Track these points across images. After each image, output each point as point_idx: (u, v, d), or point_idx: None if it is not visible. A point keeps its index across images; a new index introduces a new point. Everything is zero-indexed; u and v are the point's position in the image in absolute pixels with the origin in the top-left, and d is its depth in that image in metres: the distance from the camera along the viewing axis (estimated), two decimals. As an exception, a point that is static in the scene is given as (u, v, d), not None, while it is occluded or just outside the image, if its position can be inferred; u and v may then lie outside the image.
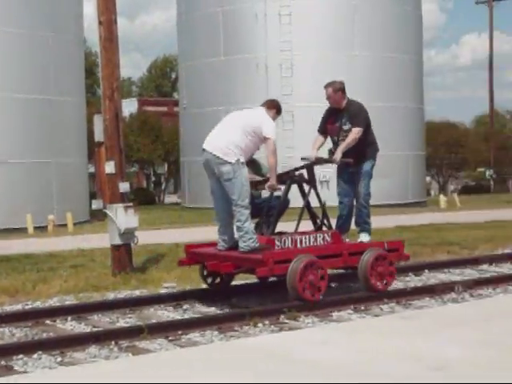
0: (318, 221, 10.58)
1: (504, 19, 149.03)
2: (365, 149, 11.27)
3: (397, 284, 11.12)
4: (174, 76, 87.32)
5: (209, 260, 10.11)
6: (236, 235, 10.02)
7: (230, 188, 9.85)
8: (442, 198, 35.26)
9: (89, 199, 26.01)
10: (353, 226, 11.66)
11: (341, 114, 11.32)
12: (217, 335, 8.29)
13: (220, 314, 9.31)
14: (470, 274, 12.13)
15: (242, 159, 9.88)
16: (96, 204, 13.24)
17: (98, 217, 25.70)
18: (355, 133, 11.00)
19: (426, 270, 12.20)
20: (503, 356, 5.89)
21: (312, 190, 10.54)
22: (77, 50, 28.43)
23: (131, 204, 12.74)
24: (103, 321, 9.31)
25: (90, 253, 15.40)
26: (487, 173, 58.38)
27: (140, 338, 8.04)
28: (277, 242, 9.86)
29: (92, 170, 33.31)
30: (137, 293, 10.93)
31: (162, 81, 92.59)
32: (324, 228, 10.53)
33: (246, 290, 10.89)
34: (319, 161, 11.02)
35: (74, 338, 7.99)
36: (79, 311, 9.55)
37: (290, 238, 9.98)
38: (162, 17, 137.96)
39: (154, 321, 9.07)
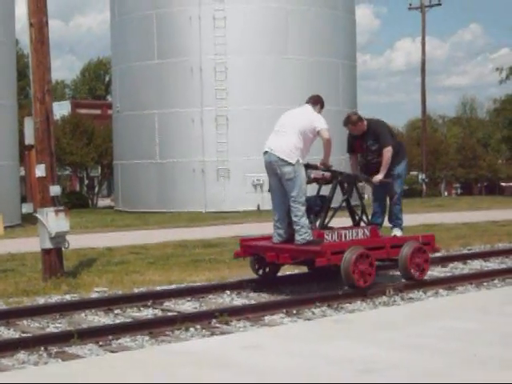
0: (357, 217, 11.73)
1: (437, 25, 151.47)
2: (393, 156, 12.12)
3: (330, 288, 11.20)
4: (107, 79, 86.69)
5: (267, 252, 11.00)
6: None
7: (290, 186, 10.80)
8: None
9: (20, 202, 25.65)
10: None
11: (365, 136, 12.21)
12: (148, 340, 8.23)
13: (151, 319, 9.25)
14: (400, 277, 12.23)
15: (301, 160, 10.85)
16: (26, 207, 13.08)
17: (30, 220, 25.34)
18: (388, 152, 11.96)
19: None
20: (430, 358, 5.96)
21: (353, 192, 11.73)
22: (8, 51, 27.97)
23: (62, 208, 12.60)
24: (33, 326, 9.18)
25: (20, 257, 15.20)
26: (420, 177, 59.08)
27: (70, 343, 7.95)
28: (326, 236, 10.88)
29: (23, 173, 32.89)
30: (67, 297, 10.81)
31: (96, 83, 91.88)
32: (362, 223, 11.68)
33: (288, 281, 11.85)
34: (359, 178, 12.14)
35: (2, 344, 7.86)
36: (8, 316, 9.38)
37: (336, 233, 11.04)
38: (97, 19, 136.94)
39: (84, 326, 8.97)
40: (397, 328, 7.21)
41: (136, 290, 11.18)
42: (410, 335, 6.84)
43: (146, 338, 8.30)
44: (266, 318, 9.17)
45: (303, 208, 10.79)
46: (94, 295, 10.97)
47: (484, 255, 14.40)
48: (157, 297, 10.49)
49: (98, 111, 62.12)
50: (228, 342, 6.96)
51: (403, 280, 11.25)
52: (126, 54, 35.31)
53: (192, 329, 8.65)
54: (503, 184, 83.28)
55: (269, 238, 11.66)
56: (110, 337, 8.22)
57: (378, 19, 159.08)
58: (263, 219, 26.21)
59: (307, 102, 11.45)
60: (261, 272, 11.66)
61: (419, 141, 63.81)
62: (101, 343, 8.05)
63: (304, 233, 10.71)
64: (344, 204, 11.54)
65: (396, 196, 12.46)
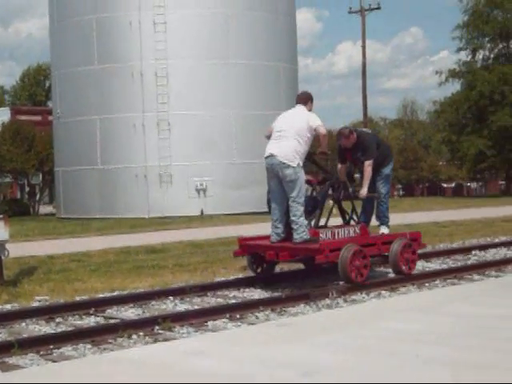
0: (347, 216, 12.66)
1: (378, 28, 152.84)
2: (382, 160, 13.02)
3: (273, 292, 11.20)
4: (47, 84, 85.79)
5: (266, 250, 11.69)
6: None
7: (291, 188, 11.52)
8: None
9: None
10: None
11: (355, 148, 12.81)
12: (90, 348, 8.13)
13: (93, 327, 9.14)
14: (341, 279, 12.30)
15: (301, 163, 11.59)
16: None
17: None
18: (368, 166, 12.58)
19: (301, 277, 12.31)
20: (373, 360, 5.97)
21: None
22: None
23: (1, 216, 12.41)
24: (-28, 337, 9.01)
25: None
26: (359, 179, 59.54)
27: (10, 353, 7.81)
28: (321, 235, 11.64)
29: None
30: (8, 307, 10.64)
31: (36, 89, 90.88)
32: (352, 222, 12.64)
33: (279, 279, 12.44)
34: (347, 193, 12.70)
35: None
36: None
37: (330, 231, 11.88)
38: (38, 24, 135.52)
39: (25, 335, 8.83)
40: (340, 330, 7.21)
41: (78, 298, 11.05)
42: (352, 337, 6.85)
43: (88, 346, 8.20)
44: (209, 323, 9.13)
45: (302, 208, 11.50)
46: (34, 304, 10.81)
47: (425, 256, 14.52)
48: (99, 304, 10.38)
49: (39, 117, 61.38)
50: (171, 349, 6.90)
51: (394, 275, 12.07)
52: (65, 59, 35.00)
53: (135, 336, 8.58)
54: (444, 185, 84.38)
55: (265, 237, 12.31)
56: (52, 346, 8.10)
57: (319, 22, 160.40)
58: (207, 224, 26.18)
59: (298, 103, 12.16)
60: (259, 270, 12.29)
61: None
62: (42, 353, 7.93)
63: (302, 231, 11.40)
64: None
65: (382, 195, 13.14)
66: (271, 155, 11.71)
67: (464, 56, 58.99)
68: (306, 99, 12.17)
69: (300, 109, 12.00)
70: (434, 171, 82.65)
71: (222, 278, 12.40)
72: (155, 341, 8.37)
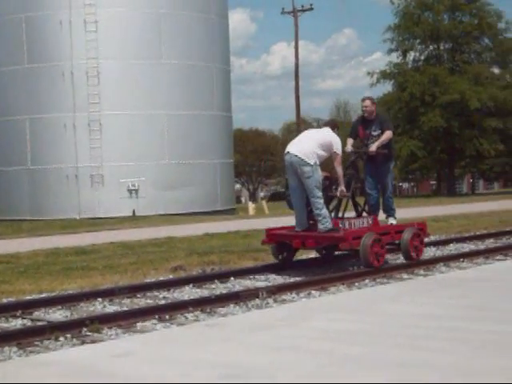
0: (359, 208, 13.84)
1: (312, 29, 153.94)
2: (390, 151, 14.29)
3: (202, 292, 11.15)
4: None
5: (293, 239, 13.07)
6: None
7: (309, 183, 12.72)
8: (251, 205, 35.88)
9: None
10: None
11: (370, 122, 14.15)
12: (16, 351, 7.98)
13: (19, 329, 8.97)
14: (274, 279, 12.31)
15: (318, 162, 12.77)
16: None
17: None
18: (389, 133, 14.03)
19: (232, 277, 12.26)
20: (302, 360, 5.97)
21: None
22: None
23: None
24: None
25: None
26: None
27: None
28: (340, 224, 13.00)
29: None
30: None
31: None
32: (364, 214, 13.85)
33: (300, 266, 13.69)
34: (358, 153, 14.18)
35: None
36: None
37: (347, 222, 13.25)
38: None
39: None
40: (269, 330, 7.20)
41: (5, 300, 10.86)
42: (282, 337, 6.84)
43: (14, 349, 8.05)
44: (138, 324, 9.04)
45: (321, 201, 12.75)
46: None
47: (356, 256, 14.60)
48: (26, 306, 10.20)
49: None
50: (98, 351, 6.81)
51: (406, 260, 13.49)
52: (-6, 58, 34.44)
53: (62, 338, 8.45)
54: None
55: (289, 227, 13.68)
56: (-25, 350, 7.94)
57: (254, 23, 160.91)
58: (139, 225, 26.02)
59: (325, 125, 13.56)
60: (280, 257, 13.46)
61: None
62: (-35, 357, 7.76)
63: (326, 222, 12.69)
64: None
65: (388, 188, 14.51)
66: (291, 153, 12.90)
67: (395, 58, 59.71)
68: (333, 125, 13.52)
69: (327, 129, 13.28)
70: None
71: (152, 279, 12.31)
72: (82, 343, 8.26)
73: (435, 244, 16.36)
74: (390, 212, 14.67)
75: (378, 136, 13.98)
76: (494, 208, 28.34)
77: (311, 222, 13.18)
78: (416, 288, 9.96)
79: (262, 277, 12.46)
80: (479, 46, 59.90)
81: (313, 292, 10.79)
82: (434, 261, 13.63)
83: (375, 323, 7.39)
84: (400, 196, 68.70)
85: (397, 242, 13.59)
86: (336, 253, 14.03)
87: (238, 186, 68.18)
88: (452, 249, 15.95)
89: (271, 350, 6.38)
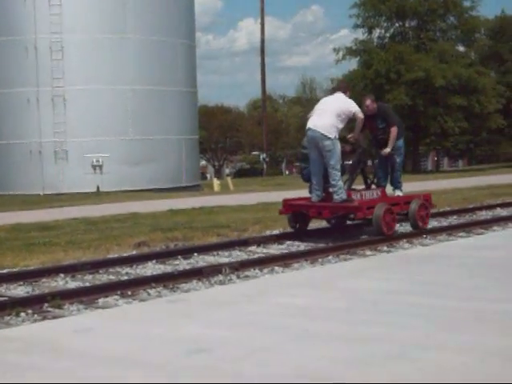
0: (369, 181, 15.17)
1: (279, 5, 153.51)
2: (398, 131, 15.28)
3: (165, 268, 11.12)
4: None
5: (310, 209, 14.17)
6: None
7: (329, 157, 13.72)
8: (216, 182, 35.81)
9: None
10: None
11: (375, 116, 15.23)
12: (-24, 327, 7.92)
13: (-21, 306, 8.90)
14: (238, 255, 12.31)
15: (337, 136, 13.79)
16: None
17: None
18: (394, 131, 15.10)
19: (196, 253, 12.24)
20: (263, 335, 5.98)
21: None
22: None
23: None
24: None
25: None
26: (261, 156, 59.86)
27: None
28: (353, 196, 14.13)
29: None
30: None
31: None
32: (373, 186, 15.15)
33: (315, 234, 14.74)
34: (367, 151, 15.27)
35: None
36: None
37: (359, 193, 14.43)
38: None
39: None
40: (232, 306, 7.19)
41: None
42: (244, 313, 6.84)
43: (-26, 325, 7.98)
44: (100, 300, 9.00)
45: (339, 173, 13.78)
46: None
47: (320, 232, 14.67)
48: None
49: None
50: (59, 326, 6.76)
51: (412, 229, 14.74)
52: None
53: (23, 314, 8.40)
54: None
55: (304, 199, 14.77)
56: None
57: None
58: (103, 201, 25.88)
59: (337, 91, 14.57)
60: (297, 226, 14.57)
61: (260, 120, 64.53)
62: None
63: (341, 193, 13.76)
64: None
65: (396, 164, 15.57)
66: (313, 128, 13.83)
67: (361, 34, 59.71)
68: (345, 88, 14.72)
69: (340, 95, 14.27)
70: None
71: (115, 255, 12.26)
72: (44, 318, 8.21)
73: (399, 220, 16.43)
74: (396, 185, 15.84)
75: (384, 129, 15.17)
76: (458, 185, 28.54)
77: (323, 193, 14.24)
78: (379, 264, 9.99)
79: (226, 253, 12.45)
80: (444, 23, 60.07)
81: (276, 268, 10.80)
82: (397, 237, 13.73)
83: (337, 299, 7.40)
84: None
85: (404, 212, 14.81)
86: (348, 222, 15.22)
87: (203, 162, 68.01)
88: (415, 225, 16.04)
89: (233, 325, 6.37)
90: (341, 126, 13.93)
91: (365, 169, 14.96)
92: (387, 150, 15.01)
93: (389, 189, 15.77)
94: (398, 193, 15.72)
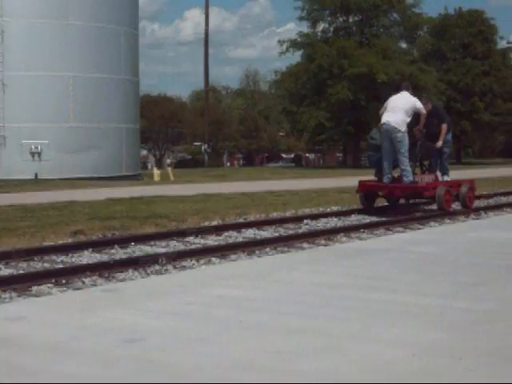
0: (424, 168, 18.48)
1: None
2: (448, 126, 18.42)
3: (102, 257, 11.00)
4: None
5: (383, 189, 17.26)
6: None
7: (400, 146, 16.72)
8: (156, 172, 35.61)
9: None
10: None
11: (430, 114, 17.72)
12: None
13: None
14: (175, 246, 12.22)
15: (406, 129, 16.77)
16: None
17: None
18: (445, 127, 18.20)
19: (133, 243, 12.12)
20: (197, 325, 5.95)
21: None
22: None
23: None
24: None
25: None
26: (202, 147, 59.72)
27: None
28: (416, 178, 17.22)
29: None
30: None
31: None
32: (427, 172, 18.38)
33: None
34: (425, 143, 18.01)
35: None
36: None
37: (420, 177, 17.57)
38: None
39: None
40: (167, 296, 7.16)
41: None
42: (179, 303, 6.80)
43: None
44: (33, 288, 8.85)
45: (407, 160, 16.76)
46: None
47: (258, 224, 14.66)
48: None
49: None
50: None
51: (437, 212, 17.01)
52: None
53: (-46, 301, 8.23)
54: (283, 155, 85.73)
55: (373, 181, 17.79)
56: None
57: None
58: (41, 188, 25.57)
59: (403, 89, 17.38)
60: (367, 204, 17.36)
61: (203, 111, 64.37)
62: None
63: (409, 175, 16.83)
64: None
65: (445, 154, 18.72)
66: (387, 123, 16.78)
67: (306, 28, 59.90)
68: (408, 87, 17.56)
69: (406, 93, 17.26)
70: (273, 141, 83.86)
71: (51, 243, 12.10)
72: (-25, 306, 8.05)
73: (337, 215, 16.54)
74: (445, 171, 18.68)
75: (436, 125, 18.05)
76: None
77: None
78: (316, 257, 10.03)
79: (163, 243, 12.35)
80: (388, 20, 60.58)
81: (213, 259, 10.74)
82: (334, 231, 13.75)
83: (273, 291, 7.41)
84: (306, 167, 69.27)
85: (455, 193, 17.62)
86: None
87: (144, 151, 67.68)
88: (353, 220, 16.15)
89: (168, 315, 6.34)
90: (408, 119, 16.83)
91: (422, 158, 18.05)
92: (439, 143, 18.03)
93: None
94: (446, 178, 18.57)
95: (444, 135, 18.11)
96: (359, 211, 17.15)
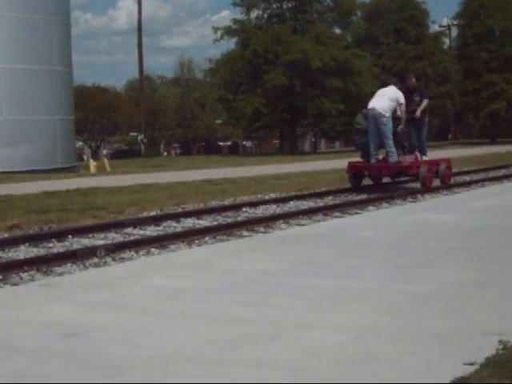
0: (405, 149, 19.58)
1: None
2: (423, 112, 19.82)
3: (39, 251, 10.86)
4: None
5: (371, 169, 18.79)
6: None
7: (385, 130, 18.26)
8: (92, 163, 35.29)
9: None
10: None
11: (413, 91, 19.80)
12: None
13: None
14: (114, 237, 12.09)
15: (391, 115, 18.32)
16: None
17: None
18: (426, 101, 19.78)
19: (70, 236, 11.97)
20: (138, 318, 5.93)
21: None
22: None
23: None
24: None
25: None
26: (139, 137, 59.32)
27: None
28: (400, 158, 18.60)
29: None
30: None
31: None
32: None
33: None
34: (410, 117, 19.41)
35: None
36: None
37: (403, 157, 18.93)
38: None
39: None
40: (107, 289, 7.11)
41: None
42: (119, 296, 6.76)
43: None
44: (-31, 284, 8.71)
45: (392, 142, 18.29)
46: None
47: (197, 213, 14.60)
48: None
49: None
50: None
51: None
52: None
53: None
54: (221, 144, 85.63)
55: (361, 162, 19.32)
56: None
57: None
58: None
59: (389, 84, 19.06)
60: (355, 184, 18.87)
61: (138, 101, 63.89)
62: None
63: (395, 156, 18.37)
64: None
65: (423, 135, 20.06)
66: (373, 108, 18.33)
67: (240, 14, 59.77)
68: (395, 82, 19.17)
69: (393, 87, 18.83)
70: (210, 130, 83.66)
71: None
72: None
73: (275, 201, 16.54)
74: (423, 151, 19.98)
75: (418, 102, 19.53)
76: (335, 166, 28.94)
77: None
78: (255, 245, 10.05)
79: (101, 235, 12.23)
80: (321, 6, 60.69)
81: (152, 250, 10.65)
82: (273, 218, 13.75)
83: (213, 280, 7.41)
84: (244, 154, 69.26)
85: (435, 170, 19.03)
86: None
87: (79, 143, 66.96)
88: (292, 206, 16.16)
89: (108, 308, 6.31)
90: (393, 107, 18.36)
91: (402, 139, 19.18)
92: (418, 113, 19.32)
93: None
94: (425, 157, 19.84)
95: (424, 107, 19.57)
96: (295, 197, 17.19)
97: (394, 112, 18.65)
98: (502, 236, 9.83)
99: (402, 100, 18.66)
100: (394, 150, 18.34)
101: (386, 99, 18.46)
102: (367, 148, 18.90)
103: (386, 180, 20.19)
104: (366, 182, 19.72)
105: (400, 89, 19.21)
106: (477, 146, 58.35)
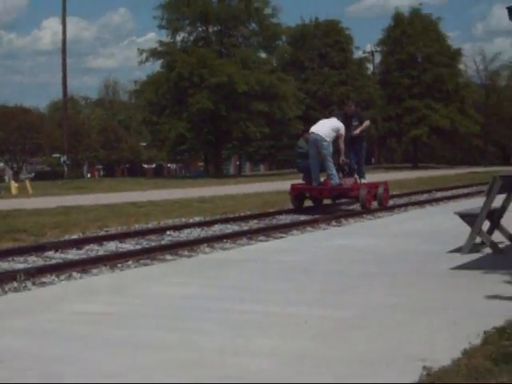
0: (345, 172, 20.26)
1: (85, 6, 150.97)
2: (363, 134, 20.96)
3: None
4: None
5: (313, 191, 19.78)
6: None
7: (325, 153, 19.14)
8: (14, 185, 34.73)
9: None
10: None
11: (352, 116, 20.71)
12: None
13: None
14: (34, 261, 11.84)
15: (331, 140, 19.29)
16: None
17: None
18: (367, 123, 21.34)
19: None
20: (57, 344, 5.79)
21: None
22: None
23: None
24: None
25: None
26: (61, 159, 58.63)
27: None
28: (341, 181, 19.46)
29: None
30: None
31: None
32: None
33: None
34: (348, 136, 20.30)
35: None
36: None
37: (344, 180, 19.68)
38: None
39: None
40: (26, 315, 6.95)
41: None
42: (39, 321, 6.60)
43: None
44: None
45: (333, 165, 19.25)
46: None
47: (120, 236, 14.40)
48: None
49: None
50: None
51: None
52: None
53: None
54: (145, 166, 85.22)
55: (304, 184, 20.15)
56: None
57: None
58: None
59: (333, 116, 20.69)
60: (297, 205, 19.72)
61: (61, 122, 63.16)
62: None
63: (336, 179, 19.30)
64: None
65: (361, 158, 21.08)
66: (315, 132, 19.33)
67: (165, 36, 59.69)
68: (338, 116, 20.44)
69: (335, 119, 20.06)
70: (134, 152, 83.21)
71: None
72: None
73: (199, 225, 16.44)
74: (362, 175, 20.82)
75: (357, 125, 20.55)
76: (259, 189, 29.01)
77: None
78: (179, 269, 9.94)
79: (21, 259, 11.96)
80: (247, 30, 61.05)
81: (74, 274, 10.45)
82: (198, 242, 13.64)
83: (136, 305, 7.29)
84: (168, 177, 69.01)
85: (374, 193, 19.95)
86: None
87: (1, 164, 65.90)
88: (216, 230, 16.06)
89: (26, 334, 6.15)
90: (333, 134, 19.33)
91: (342, 164, 19.87)
92: (357, 131, 20.38)
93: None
94: (363, 180, 20.72)
95: (364, 128, 20.74)
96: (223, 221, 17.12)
97: (334, 142, 19.46)
98: (424, 260, 9.90)
99: (343, 131, 19.53)
100: (335, 172, 19.26)
101: (327, 126, 19.53)
102: (309, 171, 19.69)
103: (326, 202, 21.02)
104: (307, 203, 20.58)
105: (340, 116, 20.54)
106: (399, 170, 59.29)
